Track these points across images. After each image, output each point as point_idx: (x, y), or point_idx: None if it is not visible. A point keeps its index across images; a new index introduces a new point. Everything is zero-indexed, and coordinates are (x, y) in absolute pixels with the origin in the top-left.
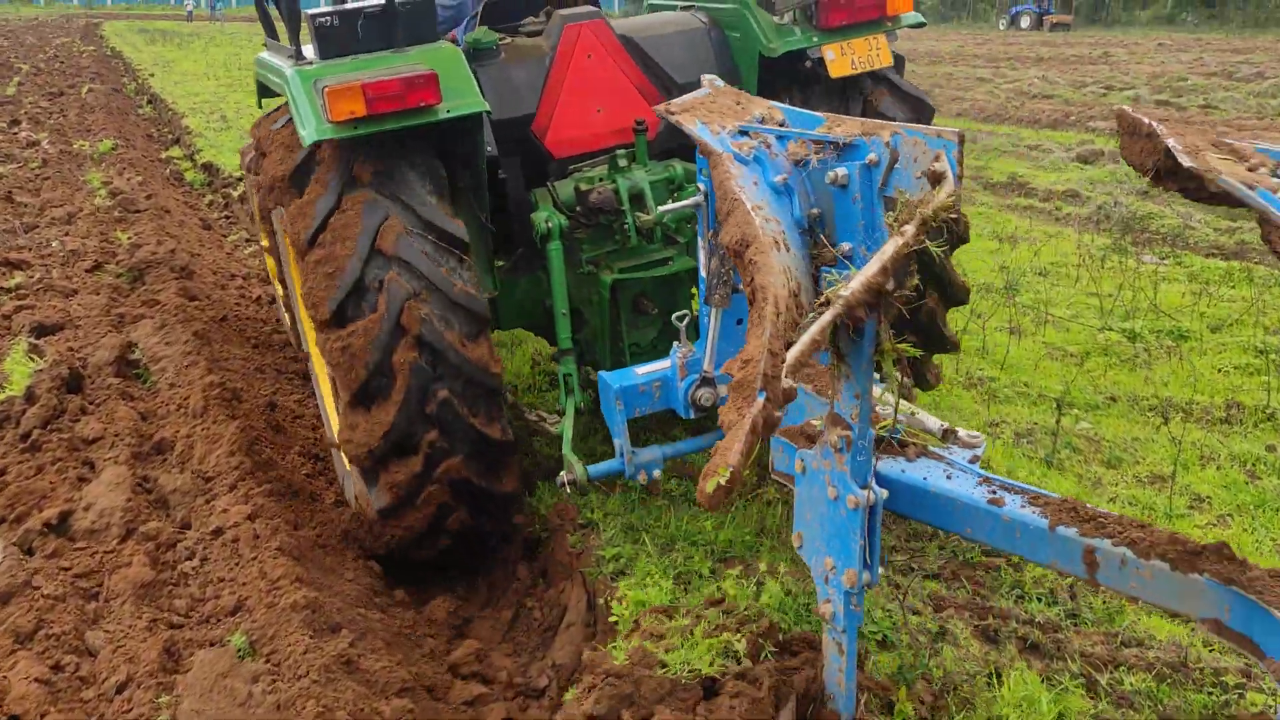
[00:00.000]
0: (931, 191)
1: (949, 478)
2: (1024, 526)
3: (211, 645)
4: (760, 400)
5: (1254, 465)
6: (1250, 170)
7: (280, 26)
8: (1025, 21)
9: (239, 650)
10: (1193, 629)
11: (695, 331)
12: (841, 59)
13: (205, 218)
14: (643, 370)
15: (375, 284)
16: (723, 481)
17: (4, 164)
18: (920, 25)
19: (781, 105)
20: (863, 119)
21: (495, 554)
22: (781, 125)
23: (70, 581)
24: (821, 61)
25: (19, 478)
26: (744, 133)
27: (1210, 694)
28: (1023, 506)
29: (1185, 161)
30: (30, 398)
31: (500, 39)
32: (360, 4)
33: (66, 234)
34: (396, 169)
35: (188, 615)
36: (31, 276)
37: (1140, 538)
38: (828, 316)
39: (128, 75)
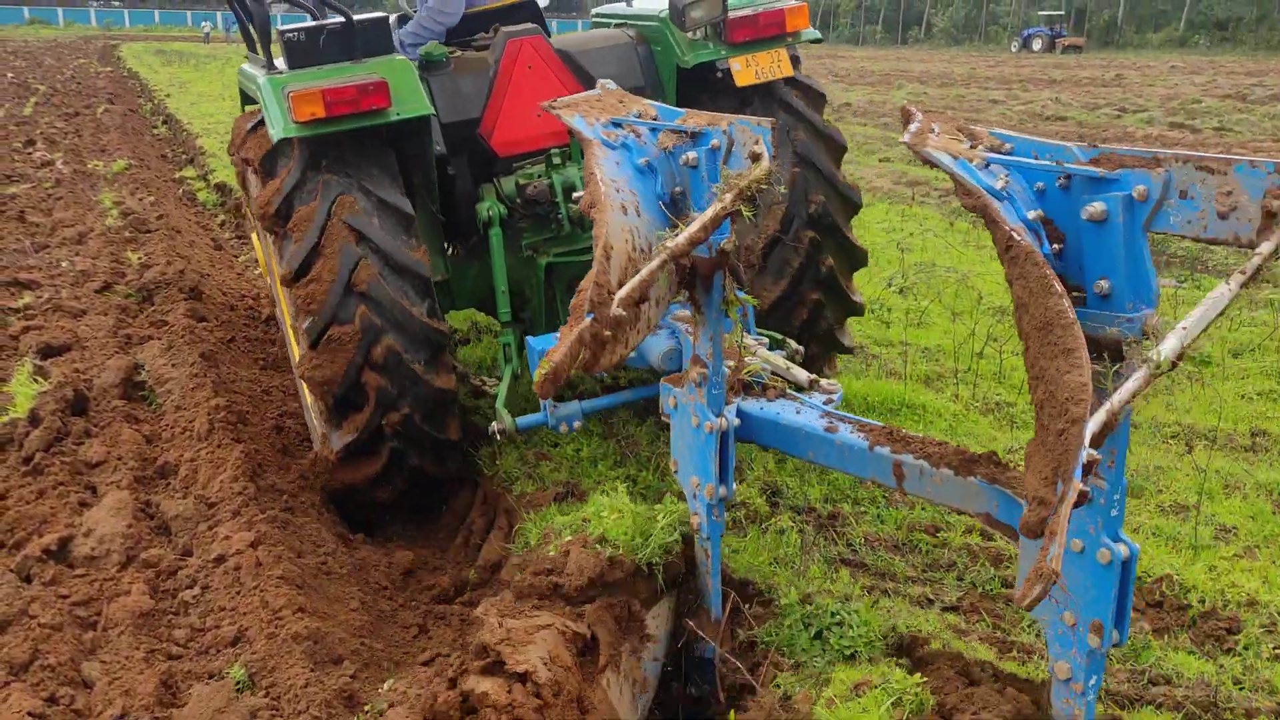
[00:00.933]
0: (751, 168)
1: (798, 413)
2: (850, 448)
3: (210, 678)
4: (588, 320)
5: None
6: (970, 149)
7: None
8: (1037, 44)
9: (238, 683)
10: (1220, 666)
11: None
12: (746, 70)
13: (217, 238)
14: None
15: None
16: (545, 372)
17: (18, 183)
18: (817, 40)
19: (655, 104)
20: (710, 113)
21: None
22: (654, 119)
23: (68, 610)
24: (729, 72)
25: (19, 502)
26: (617, 124)
27: None
28: (851, 433)
29: (904, 138)
30: (34, 420)
31: (450, 52)
32: (323, 22)
33: (77, 254)
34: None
35: (187, 646)
36: (40, 297)
37: (934, 452)
38: (655, 262)
39: (144, 96)
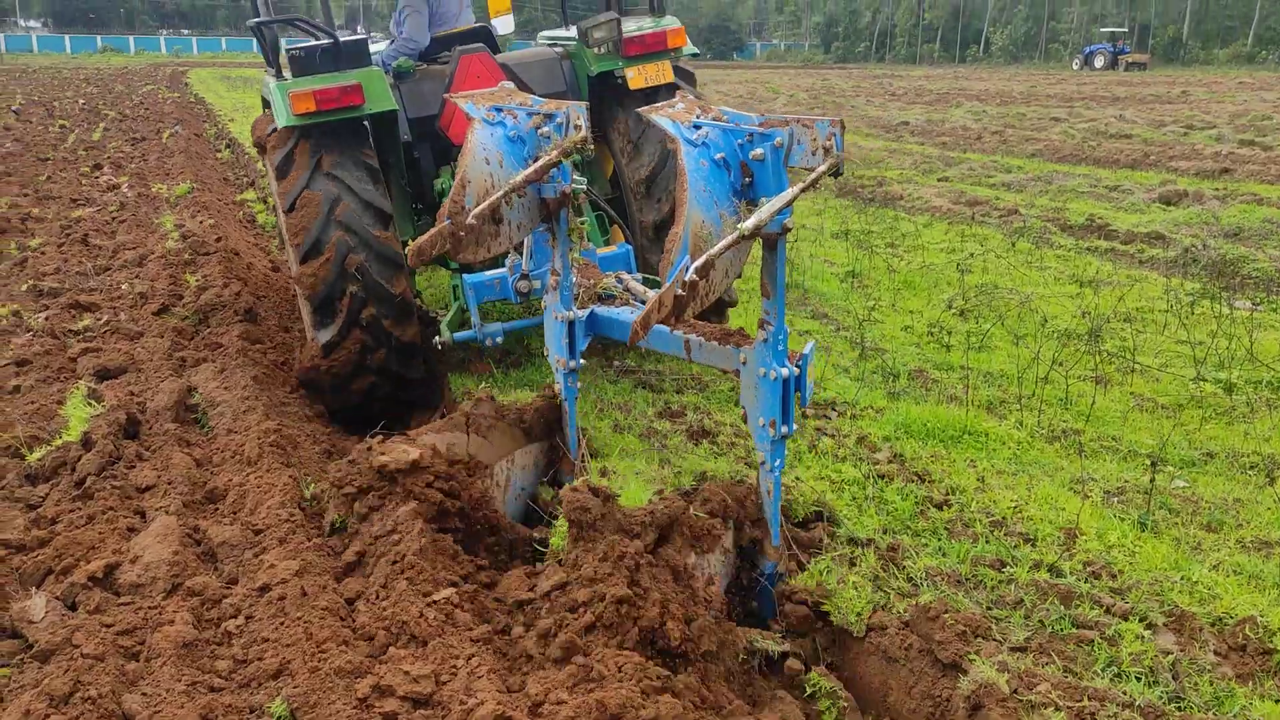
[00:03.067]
0: (573, 135)
1: (632, 314)
2: (658, 333)
3: (251, 712)
4: (446, 224)
5: None
6: (686, 115)
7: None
8: (1099, 61)
9: (278, 719)
10: None
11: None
12: (637, 76)
13: (275, 260)
14: (490, 272)
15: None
16: (411, 248)
17: (84, 207)
18: (695, 55)
19: (533, 96)
20: (561, 101)
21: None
22: (523, 105)
23: (112, 640)
24: (625, 78)
25: (69, 527)
26: (498, 109)
27: None
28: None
29: (642, 110)
30: (87, 444)
31: (416, 65)
32: (318, 43)
33: (137, 276)
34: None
35: (229, 678)
36: (99, 319)
37: (707, 331)
38: (499, 193)
39: (209, 121)
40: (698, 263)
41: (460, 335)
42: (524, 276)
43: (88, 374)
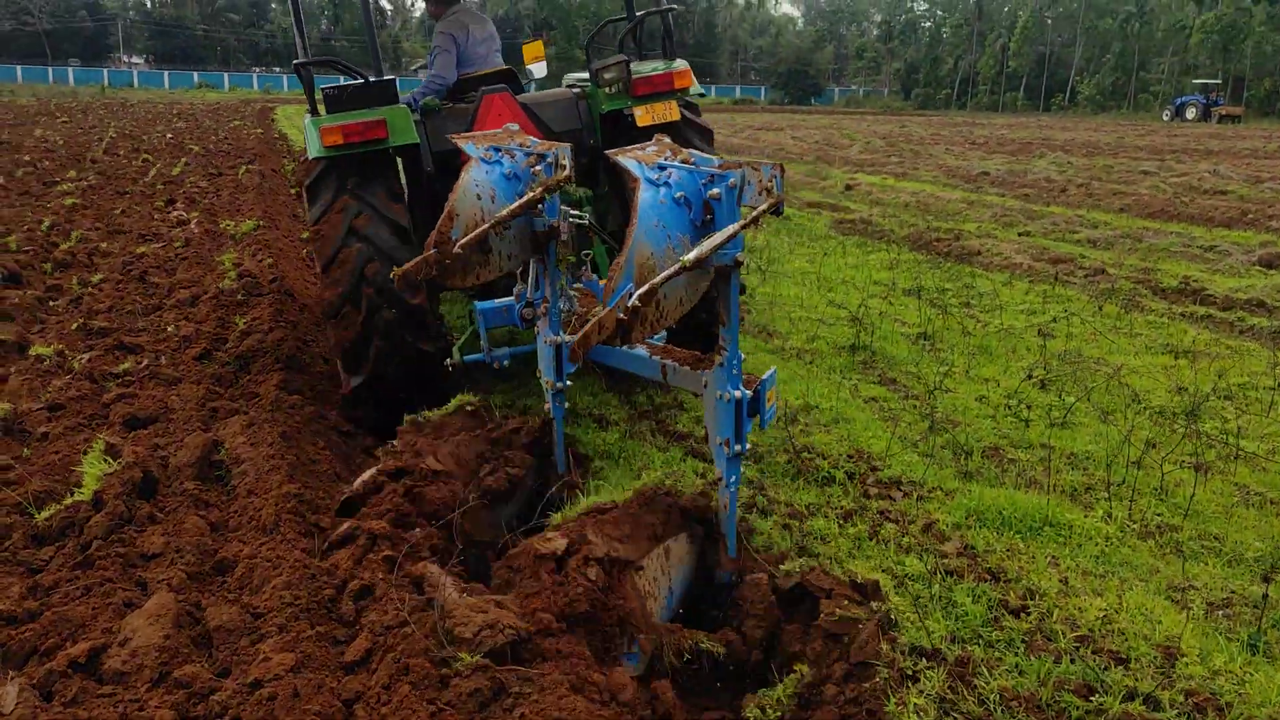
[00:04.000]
0: (557, 172)
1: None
2: (638, 358)
3: None
4: (432, 252)
5: None
6: (652, 156)
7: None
8: (1191, 112)
9: None
10: None
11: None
12: (645, 115)
13: None
14: (499, 300)
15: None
16: (398, 273)
17: (150, 242)
18: (701, 96)
19: (531, 138)
20: (549, 142)
21: None
22: (521, 146)
23: None
24: (633, 116)
25: (65, 599)
26: (496, 149)
27: None
28: (645, 352)
29: (610, 152)
30: (97, 504)
31: (443, 104)
32: (350, 82)
33: (185, 317)
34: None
35: None
36: (140, 362)
37: (680, 356)
38: (486, 225)
39: (288, 156)
40: (641, 290)
41: (470, 357)
42: (528, 304)
43: (118, 422)
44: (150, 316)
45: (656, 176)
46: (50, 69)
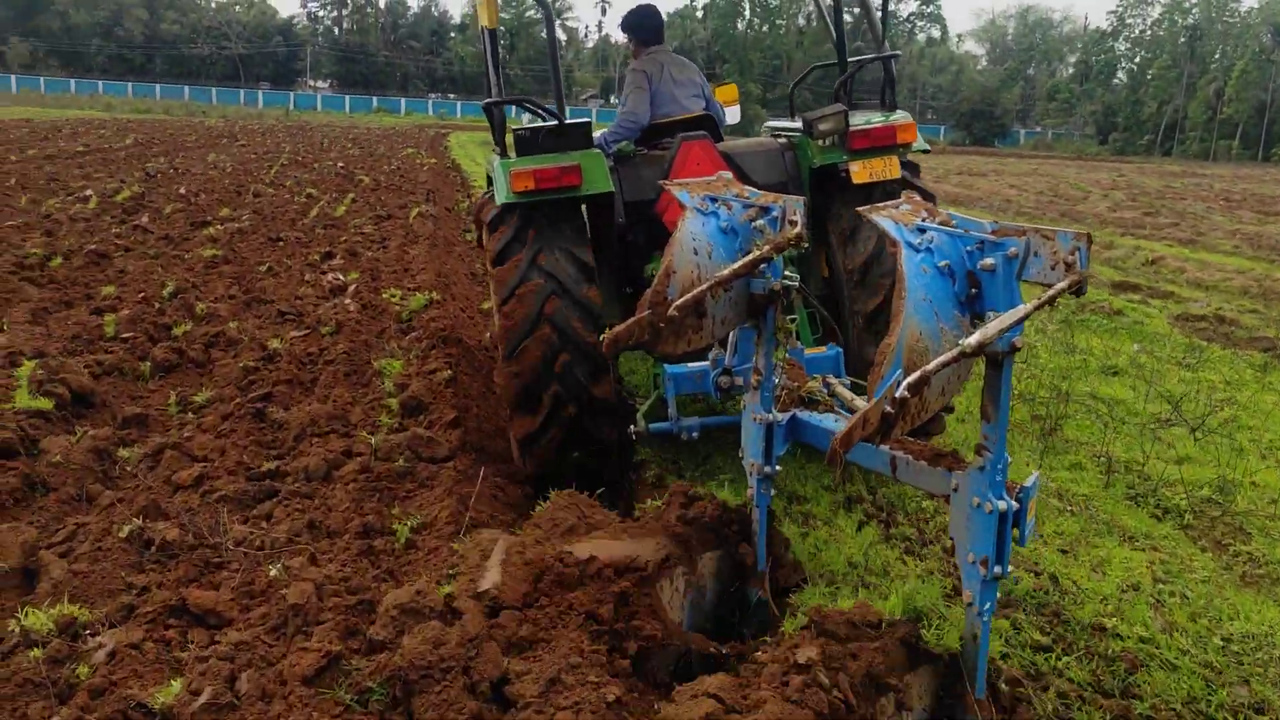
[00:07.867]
0: (787, 229)
1: (836, 421)
2: (864, 448)
3: None
4: (647, 314)
5: None
6: (911, 217)
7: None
8: None
9: None
10: None
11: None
12: (861, 171)
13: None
14: (692, 365)
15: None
16: (606, 336)
17: (289, 325)
18: (925, 151)
19: (749, 189)
20: (779, 194)
21: None
22: (739, 196)
23: None
24: (849, 172)
25: None
26: (712, 199)
27: None
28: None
29: (862, 209)
30: None
31: (637, 150)
32: (544, 124)
33: (309, 524)
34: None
35: None
36: (204, 656)
37: (916, 449)
38: (704, 285)
39: (462, 189)
40: (911, 378)
41: (656, 426)
42: (726, 371)
43: None
44: (253, 510)
45: (918, 241)
46: (242, 91)
